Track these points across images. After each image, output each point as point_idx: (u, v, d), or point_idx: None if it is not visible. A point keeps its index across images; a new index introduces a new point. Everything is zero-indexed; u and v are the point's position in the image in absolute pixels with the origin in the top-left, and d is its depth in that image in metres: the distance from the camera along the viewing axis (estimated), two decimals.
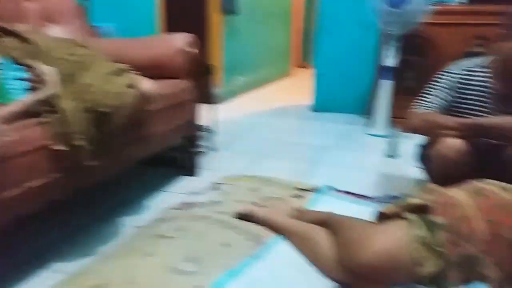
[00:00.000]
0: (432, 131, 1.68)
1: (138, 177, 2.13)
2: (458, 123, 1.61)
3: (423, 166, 1.85)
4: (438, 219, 1.03)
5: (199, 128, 2.26)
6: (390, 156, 2.58)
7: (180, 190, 1.98)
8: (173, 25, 3.72)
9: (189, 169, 2.16)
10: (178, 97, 1.87)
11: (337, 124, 3.38)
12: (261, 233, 1.42)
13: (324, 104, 3.76)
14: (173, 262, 1.20)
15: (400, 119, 2.04)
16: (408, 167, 2.19)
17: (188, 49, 1.92)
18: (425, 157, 1.77)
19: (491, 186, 1.12)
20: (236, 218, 1.52)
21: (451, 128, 1.60)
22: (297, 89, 4.96)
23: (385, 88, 2.90)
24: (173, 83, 1.86)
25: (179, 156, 2.18)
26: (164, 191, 1.98)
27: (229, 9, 3.85)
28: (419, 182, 1.34)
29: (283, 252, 1.33)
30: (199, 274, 1.16)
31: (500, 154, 1.69)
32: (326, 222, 1.35)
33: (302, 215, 1.50)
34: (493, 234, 1.01)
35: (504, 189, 1.10)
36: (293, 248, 1.34)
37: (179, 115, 1.91)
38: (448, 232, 1.02)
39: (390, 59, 2.83)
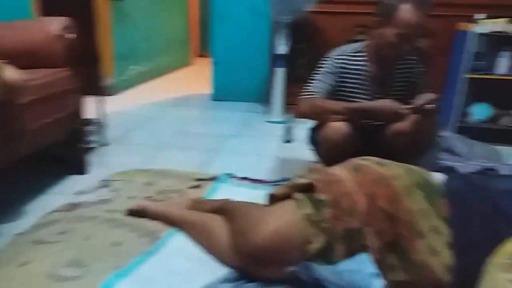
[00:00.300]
0: (319, 116, 1.76)
1: (18, 178, 1.90)
2: (342, 107, 1.71)
3: (314, 149, 1.94)
4: (322, 196, 1.08)
5: (87, 121, 2.09)
6: (287, 141, 2.67)
7: (66, 190, 1.80)
8: (52, 9, 3.35)
9: (77, 167, 1.99)
10: (56, 87, 1.69)
11: (237, 113, 3.40)
12: (157, 228, 1.36)
13: (223, 93, 3.75)
14: (53, 269, 1.09)
15: (294, 105, 2.11)
16: (303, 150, 2.28)
17: (65, 34, 1.75)
18: (315, 140, 1.86)
19: (368, 162, 1.20)
20: (128, 215, 1.43)
21: (336, 112, 1.70)
22: (197, 78, 4.88)
23: (279, 75, 2.98)
24: (49, 73, 1.68)
25: (65, 153, 1.99)
26: (48, 192, 1.80)
27: None
28: (311, 164, 1.40)
29: (179, 245, 1.28)
30: (84, 278, 1.06)
31: (380, 133, 1.84)
32: (222, 209, 1.34)
33: (199, 205, 1.47)
34: (371, 206, 1.09)
35: (379, 164, 1.19)
36: (189, 239, 1.31)
37: (59, 107, 1.73)
38: (332, 208, 1.07)
39: (282, 47, 2.91)
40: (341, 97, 1.81)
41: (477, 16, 2.63)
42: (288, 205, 1.11)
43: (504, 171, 1.89)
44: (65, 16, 1.83)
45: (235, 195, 1.49)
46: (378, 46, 1.74)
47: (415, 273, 1.08)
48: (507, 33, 2.54)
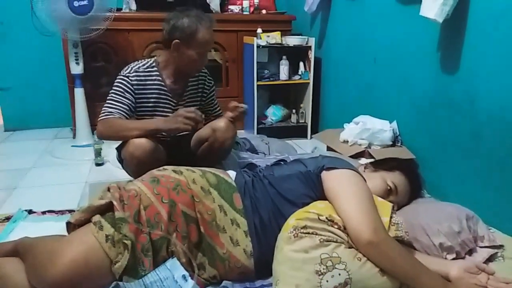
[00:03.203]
0: (118, 136, 1.75)
1: None
2: (136, 127, 1.71)
3: (123, 167, 1.90)
4: (120, 214, 1.08)
5: None
6: (99, 164, 2.54)
7: None
8: None
9: None
10: None
11: (38, 141, 3.06)
12: None
13: (18, 121, 3.34)
14: None
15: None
16: (116, 171, 2.22)
17: None
18: (122, 158, 1.84)
19: (165, 172, 1.26)
20: None
21: (133, 131, 1.70)
22: None
23: (79, 96, 2.82)
24: None
25: None
26: None
27: None
28: (110, 184, 1.34)
29: None
30: None
31: (185, 142, 1.93)
32: (17, 249, 1.21)
33: None
34: (173, 213, 1.14)
35: (175, 172, 1.26)
36: None
37: None
38: (133, 223, 1.08)
39: (77, 67, 2.76)
40: (144, 112, 1.83)
41: (258, 30, 3.01)
42: (87, 230, 1.08)
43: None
44: None
45: (36, 231, 1.35)
46: (180, 64, 1.81)
47: (223, 265, 1.18)
48: (281, 44, 2.99)
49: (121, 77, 1.79)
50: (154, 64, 1.85)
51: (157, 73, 1.84)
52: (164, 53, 1.85)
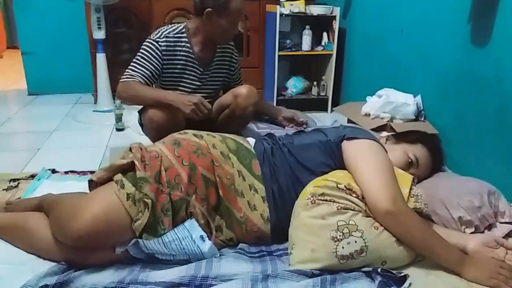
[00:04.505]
0: (134, 100, 1.77)
1: None
2: (150, 95, 1.71)
3: (143, 131, 1.92)
4: (141, 173, 1.09)
5: None
6: (119, 129, 2.58)
7: None
8: None
9: None
10: None
11: (60, 105, 3.12)
12: None
13: (41, 85, 3.40)
14: None
15: None
16: (137, 136, 2.25)
17: None
18: (142, 122, 1.85)
19: (186, 135, 1.27)
20: None
21: (147, 99, 1.72)
22: (9, 72, 4.30)
23: (101, 61, 2.84)
24: None
25: None
26: None
27: None
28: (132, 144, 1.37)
29: None
30: None
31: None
32: (42, 205, 1.26)
33: (14, 207, 1.34)
34: (193, 176, 1.15)
35: (196, 136, 1.26)
36: (6, 243, 1.19)
37: None
38: (154, 183, 1.10)
39: (99, 32, 2.76)
40: (170, 78, 1.83)
41: None
42: (108, 188, 1.10)
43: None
44: None
45: (59, 189, 1.40)
46: (210, 33, 1.80)
47: (240, 228, 1.20)
48: (305, 13, 2.92)
49: (151, 41, 1.78)
50: (184, 30, 1.83)
51: (186, 39, 1.82)
52: (195, 20, 1.83)
